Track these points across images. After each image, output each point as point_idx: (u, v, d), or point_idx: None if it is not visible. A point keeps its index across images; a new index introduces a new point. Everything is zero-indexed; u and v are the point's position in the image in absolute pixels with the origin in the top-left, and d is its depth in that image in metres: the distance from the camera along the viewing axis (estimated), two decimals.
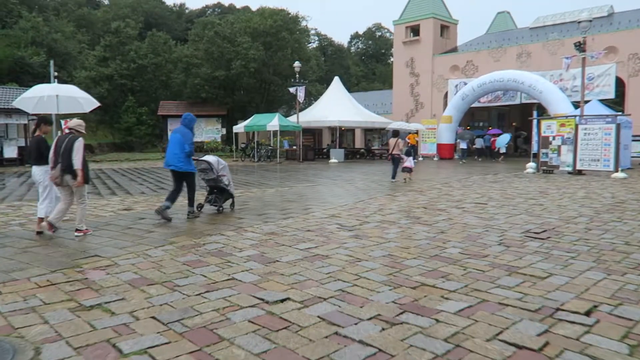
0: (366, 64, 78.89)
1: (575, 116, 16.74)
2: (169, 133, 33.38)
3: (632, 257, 5.40)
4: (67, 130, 6.65)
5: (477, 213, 8.43)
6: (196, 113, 35.79)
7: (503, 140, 26.39)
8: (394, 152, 14.39)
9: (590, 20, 16.07)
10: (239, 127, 27.51)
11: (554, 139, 17.25)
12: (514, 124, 38.24)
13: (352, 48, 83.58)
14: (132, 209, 9.04)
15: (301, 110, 32.25)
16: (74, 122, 6.67)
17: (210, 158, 8.30)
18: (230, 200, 8.69)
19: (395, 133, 14.85)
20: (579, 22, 16.20)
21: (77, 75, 35.40)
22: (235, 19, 37.83)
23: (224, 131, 35.07)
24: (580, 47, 16.23)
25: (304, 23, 40.41)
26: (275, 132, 26.71)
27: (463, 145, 26.53)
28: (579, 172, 16.58)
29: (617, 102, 25.32)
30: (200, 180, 8.47)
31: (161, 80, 38.19)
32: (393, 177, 14.36)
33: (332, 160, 26.02)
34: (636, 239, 6.37)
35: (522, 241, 6.24)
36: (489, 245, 5.97)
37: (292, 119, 28.38)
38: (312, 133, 38.66)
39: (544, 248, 5.85)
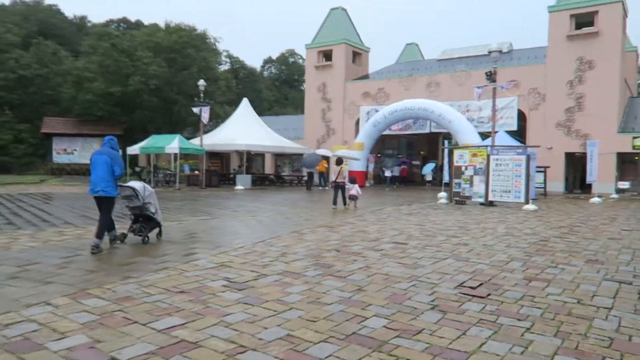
0: (279, 89, 78.16)
1: (487, 146, 16.45)
2: (54, 153, 29.12)
3: (596, 326, 4.22)
4: None
5: (399, 257, 7.06)
6: (88, 132, 32.29)
7: (429, 168, 27.69)
8: (337, 180, 14.71)
9: (501, 51, 16.04)
10: (134, 149, 24.69)
11: (466, 169, 16.82)
12: (421, 152, 38.88)
13: (265, 72, 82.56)
14: None
15: (207, 132, 30.06)
16: None
17: (135, 184, 7.81)
18: (157, 230, 8.14)
19: (339, 161, 15.22)
20: (490, 52, 16.09)
21: None
22: (137, 33, 34.98)
23: (120, 153, 31.65)
24: (490, 77, 16.08)
25: (217, 44, 38.50)
26: (178, 156, 24.29)
27: (388, 173, 27.00)
28: (491, 204, 16.20)
29: (519, 134, 26.16)
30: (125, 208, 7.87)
31: (47, 94, 34.00)
32: (334, 204, 14.62)
33: (238, 187, 24.05)
34: (585, 293, 5.29)
35: (458, 302, 4.89)
36: (421, 311, 4.53)
37: (197, 141, 26.10)
38: (220, 157, 36.41)
39: (488, 313, 4.53)
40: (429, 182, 28.04)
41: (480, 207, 15.76)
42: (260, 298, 4.82)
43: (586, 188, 23.88)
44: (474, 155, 16.64)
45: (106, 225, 7.27)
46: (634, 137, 22.87)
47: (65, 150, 31.34)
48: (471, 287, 5.50)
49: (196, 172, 26.26)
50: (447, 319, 4.32)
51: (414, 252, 7.51)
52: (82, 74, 31.11)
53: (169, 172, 24.81)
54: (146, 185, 7.97)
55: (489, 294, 5.21)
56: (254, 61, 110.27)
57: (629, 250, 8.13)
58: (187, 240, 8.28)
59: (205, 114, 23.94)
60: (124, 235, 7.83)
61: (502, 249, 7.98)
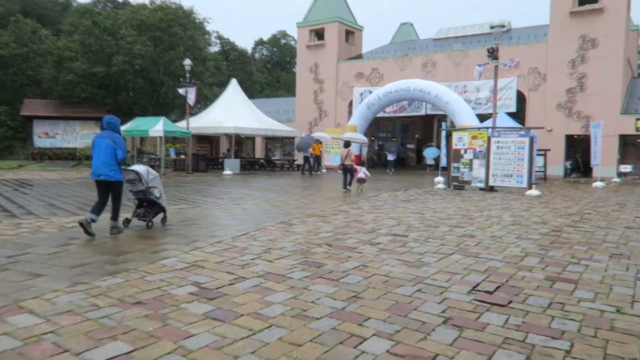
0: (270, 71, 76.55)
1: (487, 128, 15.54)
2: (35, 137, 27.65)
3: None
4: None
5: (399, 253, 6.18)
6: (70, 114, 30.96)
7: (431, 152, 27.24)
8: (345, 163, 14.64)
9: (503, 25, 15.03)
10: None
11: (465, 152, 15.94)
12: (416, 135, 37.99)
13: (257, 54, 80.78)
14: None
15: (194, 115, 28.92)
16: None
17: (139, 168, 7.70)
18: (161, 215, 7.97)
19: (347, 144, 15.29)
20: (492, 27, 15.08)
21: None
22: (121, 12, 33.44)
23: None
24: (492, 53, 15.09)
25: (206, 25, 36.99)
26: (163, 139, 23.19)
27: (390, 157, 26.61)
28: (491, 189, 15.37)
29: (518, 116, 25.30)
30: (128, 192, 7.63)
31: (28, 75, 32.54)
32: (344, 187, 14.56)
33: (226, 171, 23.03)
34: (622, 298, 4.46)
35: (475, 312, 4.03)
36: (431, 327, 3.66)
37: (184, 124, 24.96)
38: (209, 141, 35.30)
39: (514, 328, 3.67)
40: (429, 166, 27.48)
41: (480, 193, 14.92)
42: (234, 311, 3.92)
43: (581, 172, 23.15)
44: (474, 137, 15.74)
45: (119, 208, 7.22)
46: (638, 119, 22.06)
47: (47, 134, 30.05)
48: (487, 292, 4.63)
49: (182, 156, 25.17)
50: (464, 338, 3.46)
51: (415, 246, 6.63)
52: (63, 53, 29.62)
53: (153, 156, 23.72)
54: (150, 169, 7.81)
55: (510, 301, 4.35)
56: (245, 43, 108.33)
57: None
58: (160, 233, 7.34)
59: (191, 95, 22.80)
60: (128, 220, 7.68)
61: (513, 242, 7.14)
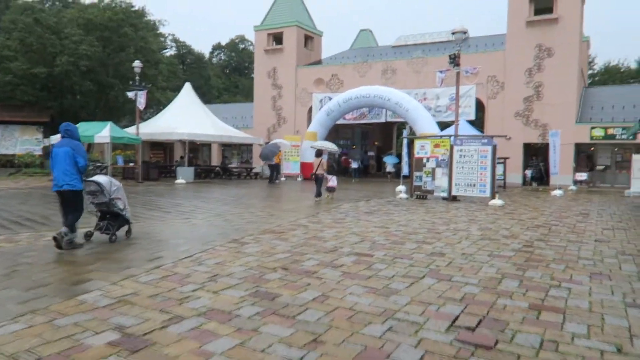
0: (228, 76, 75.06)
1: (450, 136, 15.18)
2: None
3: None
4: None
5: (364, 278, 5.47)
6: (9, 119, 28.75)
7: (391, 159, 27.70)
8: (317, 172, 14.89)
9: (465, 32, 14.73)
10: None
11: (428, 160, 15.52)
12: (376, 143, 37.75)
13: (214, 59, 79.08)
14: None
15: (146, 120, 27.50)
16: None
17: (100, 178, 7.31)
18: (126, 227, 7.62)
19: (319, 153, 15.75)
20: (453, 33, 14.76)
21: None
22: (67, 10, 31.55)
23: (46, 142, 28.43)
24: (454, 60, 14.76)
25: (161, 27, 35.46)
26: (110, 145, 21.70)
27: (354, 164, 26.41)
28: (454, 198, 14.98)
29: (476, 124, 25.34)
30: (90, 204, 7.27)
31: None
32: (317, 196, 14.53)
33: (179, 180, 21.79)
34: (618, 332, 3.90)
35: (459, 359, 3.34)
36: None
37: (134, 130, 23.54)
38: (163, 147, 33.77)
39: None
40: (389, 173, 27.34)
41: (443, 203, 14.50)
42: None
43: (544, 180, 23.34)
44: (436, 145, 15.34)
45: (78, 218, 6.79)
46: (592, 128, 22.44)
47: None
48: (469, 329, 3.97)
49: (132, 164, 23.72)
50: None
51: (382, 269, 5.94)
52: (1, 52, 27.51)
53: (99, 164, 22.20)
54: (113, 180, 7.47)
55: (496, 341, 3.70)
56: (203, 47, 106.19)
57: (627, 257, 6.95)
58: (87, 257, 6.31)
59: (141, 98, 21.48)
60: (90, 234, 7.27)
61: (485, 260, 6.57)
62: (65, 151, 6.65)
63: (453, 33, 14.83)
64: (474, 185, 14.63)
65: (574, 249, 7.56)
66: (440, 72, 16.10)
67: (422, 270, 5.90)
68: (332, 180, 14.84)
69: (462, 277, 5.61)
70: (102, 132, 20.01)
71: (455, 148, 14.83)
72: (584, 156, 24.13)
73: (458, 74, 15.02)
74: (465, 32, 14.69)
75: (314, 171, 15.01)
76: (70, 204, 6.77)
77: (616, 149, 23.48)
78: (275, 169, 23.42)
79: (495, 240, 8.18)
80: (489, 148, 14.31)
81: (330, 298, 4.69)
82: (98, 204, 7.29)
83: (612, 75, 45.15)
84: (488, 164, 14.33)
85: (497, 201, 13.84)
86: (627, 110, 22.81)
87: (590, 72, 43.77)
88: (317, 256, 6.54)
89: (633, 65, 46.16)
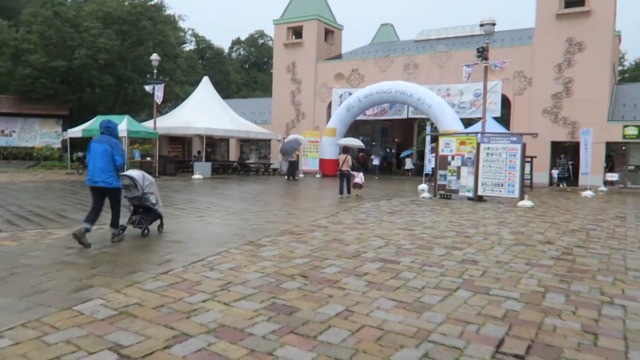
0: (248, 71, 74.84)
1: (476, 133, 14.48)
2: None
3: None
4: None
5: (392, 289, 4.93)
6: (28, 112, 28.86)
7: (407, 155, 27.80)
8: (343, 168, 14.57)
9: (494, 23, 13.98)
10: (76, 131, 21.78)
11: (453, 158, 14.85)
12: (396, 139, 37.03)
13: (234, 54, 78.94)
14: None
15: (164, 114, 27.28)
16: None
17: (134, 173, 7.34)
18: (158, 222, 7.73)
19: (345, 149, 15.57)
20: (482, 25, 14.04)
21: None
22: (86, 3, 31.50)
23: (65, 135, 28.40)
24: (482, 53, 14.04)
25: (181, 22, 35.24)
26: (127, 139, 21.48)
27: (376, 161, 26.07)
28: (480, 199, 14.30)
29: (503, 121, 24.47)
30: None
31: None
32: (341, 193, 14.40)
33: (196, 175, 21.48)
34: None
35: None
36: None
37: (152, 123, 23.31)
38: (181, 142, 33.56)
39: None
40: (408, 170, 26.91)
41: (469, 203, 13.84)
42: None
43: (572, 180, 22.37)
44: (462, 143, 14.66)
45: (119, 215, 6.92)
46: (625, 126, 21.42)
47: (2, 131, 27.93)
48: (518, 357, 3.40)
49: (149, 158, 23.49)
50: None
51: (410, 278, 5.39)
52: (21, 45, 27.56)
53: None
54: (145, 174, 7.54)
55: None
56: (222, 42, 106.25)
57: None
58: (93, 259, 5.89)
59: (158, 92, 21.21)
60: (124, 227, 7.17)
61: (523, 269, 5.98)
62: (104, 148, 6.67)
63: (481, 25, 14.10)
64: (502, 185, 13.94)
65: (618, 257, 6.91)
66: (467, 66, 15.37)
67: (455, 281, 5.33)
68: (359, 177, 14.57)
69: (500, 290, 5.03)
70: (120, 126, 19.75)
71: (482, 146, 14.14)
72: (617, 156, 23.09)
73: (486, 68, 14.29)
74: (494, 24, 13.95)
75: (339, 167, 14.80)
76: (110, 200, 6.85)
77: None
78: (294, 165, 22.94)
79: (531, 246, 7.56)
80: (518, 146, 13.59)
81: (355, 314, 4.17)
82: (131, 198, 7.36)
83: None
84: (517, 163, 13.62)
85: (526, 202, 13.12)
86: None
87: (620, 68, 42.25)
88: (339, 262, 6.02)
89: None
